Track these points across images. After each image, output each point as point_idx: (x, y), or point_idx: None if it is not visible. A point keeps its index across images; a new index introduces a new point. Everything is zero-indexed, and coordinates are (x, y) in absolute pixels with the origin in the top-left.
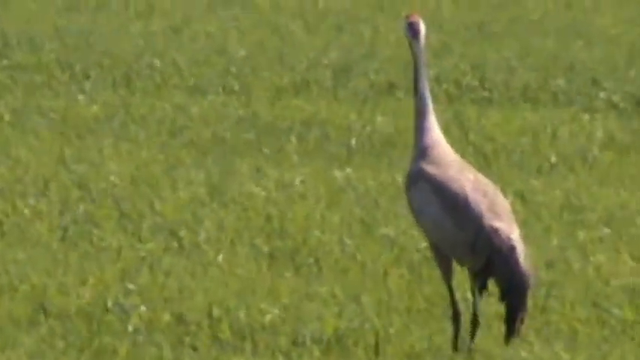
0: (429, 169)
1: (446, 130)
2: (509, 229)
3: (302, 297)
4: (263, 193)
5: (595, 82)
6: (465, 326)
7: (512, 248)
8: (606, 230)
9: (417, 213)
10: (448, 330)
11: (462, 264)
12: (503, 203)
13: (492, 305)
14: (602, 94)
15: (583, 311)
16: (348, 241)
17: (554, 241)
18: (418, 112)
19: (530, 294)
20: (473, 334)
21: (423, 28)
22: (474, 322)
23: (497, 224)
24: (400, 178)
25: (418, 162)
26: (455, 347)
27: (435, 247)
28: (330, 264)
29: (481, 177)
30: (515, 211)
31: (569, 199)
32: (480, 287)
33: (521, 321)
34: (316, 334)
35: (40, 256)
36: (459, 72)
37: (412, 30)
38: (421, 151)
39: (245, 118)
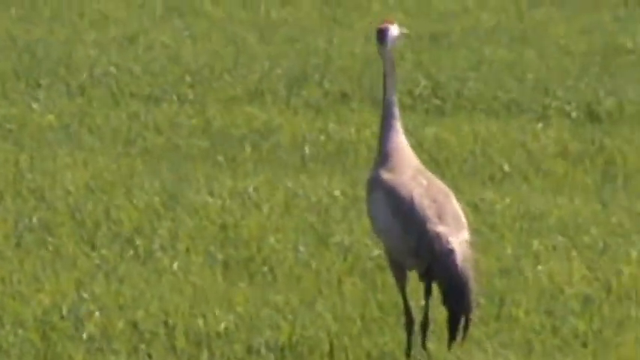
0: (385, 175)
1: None
2: (454, 233)
3: (257, 305)
4: (217, 202)
5: (548, 92)
6: (418, 333)
7: (451, 251)
8: (560, 239)
9: (372, 219)
10: (403, 337)
11: (410, 269)
12: (454, 209)
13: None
14: (554, 104)
15: (537, 319)
16: (302, 249)
17: (508, 250)
18: (383, 118)
19: (472, 298)
20: (424, 337)
21: (392, 34)
22: (424, 325)
23: (439, 229)
24: (352, 187)
25: (377, 168)
26: (408, 354)
27: (389, 253)
28: (285, 272)
29: (438, 183)
30: (468, 220)
31: (522, 207)
32: (425, 290)
33: (465, 326)
34: (271, 341)
35: None
36: (412, 81)
37: (379, 36)
38: (382, 157)
39: (199, 126)
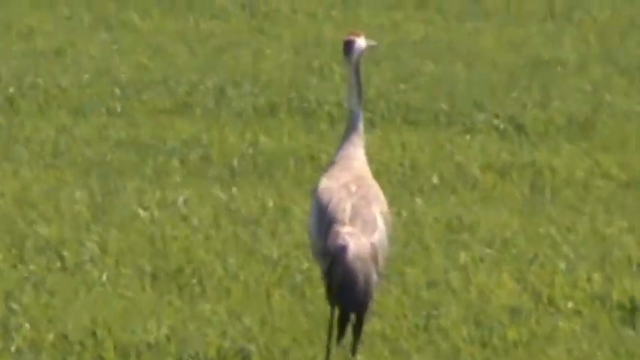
0: (321, 182)
1: (329, 152)
2: (356, 235)
3: (186, 317)
4: (146, 214)
5: (476, 104)
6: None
7: (344, 248)
8: (488, 251)
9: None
10: (332, 350)
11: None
12: (371, 215)
13: (376, 324)
14: (482, 116)
15: (465, 331)
16: (231, 261)
17: (436, 262)
18: (345, 129)
19: (363, 298)
20: (354, 349)
21: (358, 46)
22: (354, 335)
23: (340, 229)
24: (282, 199)
25: (321, 176)
26: None
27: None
28: (214, 284)
29: (370, 192)
30: (397, 231)
31: (450, 219)
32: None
33: (358, 327)
34: (200, 353)
35: None
36: (340, 93)
37: (345, 48)
38: (329, 165)
39: (128, 139)
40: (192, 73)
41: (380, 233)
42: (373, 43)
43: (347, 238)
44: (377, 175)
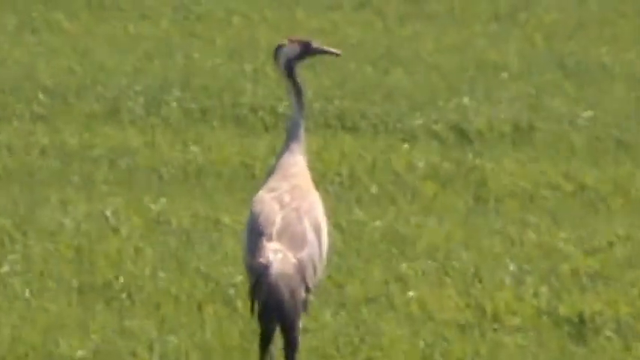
0: (258, 193)
1: (263, 160)
2: (282, 251)
3: (114, 332)
4: (72, 225)
5: (415, 111)
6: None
7: (266, 267)
8: (430, 263)
9: None
10: None
11: None
12: (300, 230)
13: (312, 340)
14: (423, 123)
15: (406, 348)
16: (161, 275)
17: (376, 275)
18: (285, 137)
19: (287, 316)
20: None
21: (283, 52)
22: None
23: (265, 244)
24: (214, 210)
25: (260, 186)
26: None
27: None
28: (143, 298)
29: (303, 204)
30: (334, 244)
31: (390, 230)
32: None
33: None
34: None
35: None
36: (275, 99)
37: (274, 53)
38: (267, 175)
39: (53, 146)
40: (121, 78)
41: (310, 248)
42: (336, 51)
43: (271, 256)
44: (314, 185)
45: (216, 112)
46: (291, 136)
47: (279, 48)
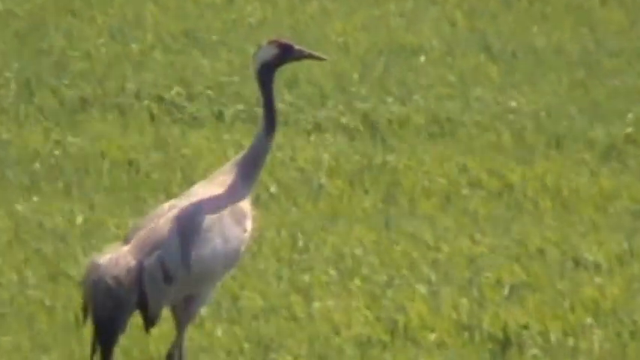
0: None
1: (148, 155)
2: (125, 254)
3: None
4: None
5: (321, 99)
6: None
7: (88, 270)
8: (335, 272)
9: None
10: None
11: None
12: (161, 236)
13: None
14: (329, 113)
15: None
16: (33, 283)
17: (275, 285)
18: None
19: (101, 326)
20: None
21: (259, 53)
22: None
23: (111, 248)
24: (92, 211)
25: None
26: None
27: None
28: (14, 311)
29: (188, 212)
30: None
31: (291, 235)
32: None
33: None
34: None
35: None
36: (163, 86)
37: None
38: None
39: None
40: None
41: (166, 254)
42: (321, 56)
43: (100, 257)
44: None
45: (97, 100)
46: (247, 154)
47: (258, 50)
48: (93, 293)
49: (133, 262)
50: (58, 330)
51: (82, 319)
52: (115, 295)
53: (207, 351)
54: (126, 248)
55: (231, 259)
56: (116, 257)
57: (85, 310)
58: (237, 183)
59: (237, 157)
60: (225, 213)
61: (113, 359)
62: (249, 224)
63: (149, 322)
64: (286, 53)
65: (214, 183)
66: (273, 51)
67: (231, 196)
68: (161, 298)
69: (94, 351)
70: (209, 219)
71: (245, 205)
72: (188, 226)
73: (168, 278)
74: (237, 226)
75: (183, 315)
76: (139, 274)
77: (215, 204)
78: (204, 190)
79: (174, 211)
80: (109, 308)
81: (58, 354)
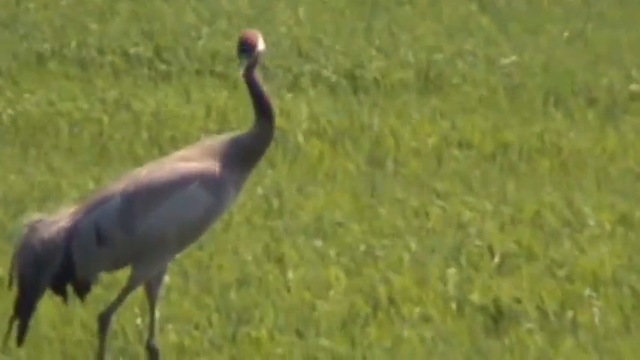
0: None
1: (112, 114)
2: (67, 218)
3: None
4: None
5: (301, 53)
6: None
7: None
8: (314, 240)
9: None
10: None
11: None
12: (104, 197)
13: (169, 334)
14: (309, 68)
15: (284, 341)
16: None
17: (248, 255)
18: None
19: (23, 286)
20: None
21: (241, 60)
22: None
23: (62, 212)
24: (52, 174)
25: None
26: None
27: None
28: None
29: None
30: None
31: (266, 199)
32: None
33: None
34: None
35: None
36: (129, 40)
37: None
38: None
39: None
40: None
41: (103, 216)
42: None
43: (38, 219)
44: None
45: (55, 55)
46: (237, 140)
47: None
48: (18, 252)
49: (68, 224)
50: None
51: (7, 282)
52: (38, 254)
53: (174, 322)
54: (71, 210)
55: (190, 228)
56: (55, 219)
57: (11, 271)
58: (227, 161)
59: (238, 135)
60: (195, 179)
61: (30, 321)
62: (226, 197)
63: (79, 286)
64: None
65: (199, 148)
66: (248, 59)
67: (212, 165)
68: (90, 260)
69: (16, 314)
70: (168, 182)
71: (226, 179)
72: (140, 187)
73: (101, 240)
74: (208, 194)
75: (128, 280)
76: (70, 234)
77: (185, 168)
78: (184, 153)
79: (134, 173)
80: (30, 267)
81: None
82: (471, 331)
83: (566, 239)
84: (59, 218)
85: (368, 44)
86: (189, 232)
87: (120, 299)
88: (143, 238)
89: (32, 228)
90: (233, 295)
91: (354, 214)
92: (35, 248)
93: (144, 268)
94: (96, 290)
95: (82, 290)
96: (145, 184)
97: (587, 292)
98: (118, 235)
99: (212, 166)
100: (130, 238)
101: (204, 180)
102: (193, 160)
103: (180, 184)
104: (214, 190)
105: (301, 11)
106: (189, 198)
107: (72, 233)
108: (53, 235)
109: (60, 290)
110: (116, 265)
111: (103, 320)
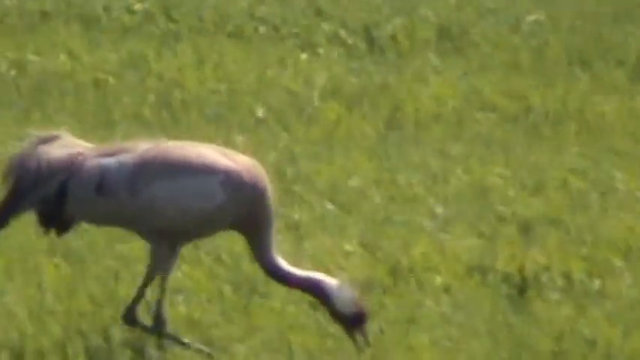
0: None
1: (118, 75)
2: (80, 149)
3: None
4: None
5: (317, 11)
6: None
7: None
8: (329, 207)
9: None
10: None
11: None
12: (127, 150)
13: (180, 306)
14: (325, 27)
15: (299, 314)
16: None
17: None
18: None
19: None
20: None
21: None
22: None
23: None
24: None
25: None
26: None
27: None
28: None
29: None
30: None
31: (280, 165)
32: None
33: None
34: None
35: None
36: None
37: None
38: None
39: None
40: None
41: (114, 164)
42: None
43: (53, 137)
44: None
45: (60, 13)
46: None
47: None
48: (22, 158)
49: (79, 157)
50: (16, 273)
51: None
52: (41, 168)
53: (185, 294)
54: (88, 145)
55: (192, 217)
56: (68, 145)
57: (6, 174)
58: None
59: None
60: (220, 173)
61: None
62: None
63: (61, 222)
64: None
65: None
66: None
67: (241, 173)
68: (83, 204)
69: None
70: (192, 162)
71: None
72: (163, 155)
73: (101, 189)
74: (224, 194)
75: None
76: (77, 168)
77: (215, 158)
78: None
79: (166, 142)
80: (28, 176)
81: (14, 298)
82: (494, 302)
83: (594, 205)
84: (74, 146)
85: (384, 2)
86: (190, 221)
87: (139, 295)
88: (141, 205)
89: (45, 140)
90: (245, 265)
91: (372, 180)
92: (40, 162)
93: (154, 255)
94: (104, 262)
95: (62, 227)
96: (168, 154)
97: (617, 261)
98: (120, 190)
99: (241, 173)
100: (129, 198)
101: (227, 178)
102: (232, 160)
103: (202, 170)
104: (231, 194)
105: None
106: (204, 188)
107: (77, 168)
108: (62, 159)
109: (43, 217)
110: (104, 220)
111: (129, 318)
